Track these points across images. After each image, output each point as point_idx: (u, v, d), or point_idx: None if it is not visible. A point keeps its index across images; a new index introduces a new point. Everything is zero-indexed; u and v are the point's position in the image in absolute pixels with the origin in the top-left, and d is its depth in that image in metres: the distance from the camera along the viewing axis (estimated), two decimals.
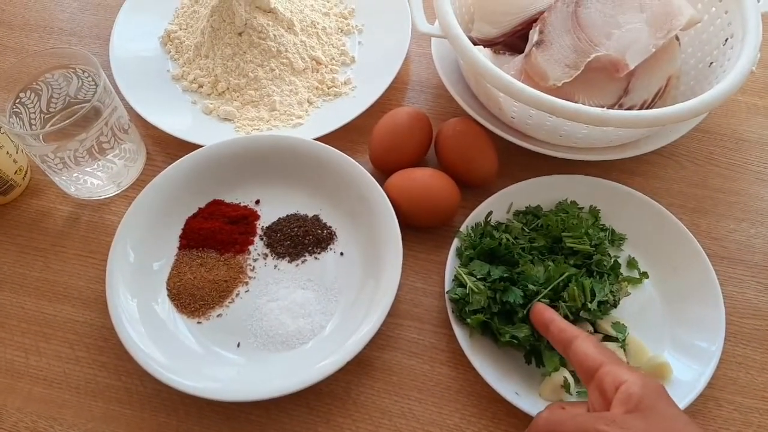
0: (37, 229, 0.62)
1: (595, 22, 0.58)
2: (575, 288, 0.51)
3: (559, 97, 0.58)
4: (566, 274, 0.53)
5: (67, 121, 0.53)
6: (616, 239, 0.59)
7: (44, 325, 0.57)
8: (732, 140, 0.67)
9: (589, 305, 0.52)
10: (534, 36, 0.59)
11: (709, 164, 0.65)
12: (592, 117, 0.52)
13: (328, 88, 0.69)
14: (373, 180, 0.59)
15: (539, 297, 0.51)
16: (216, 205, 0.61)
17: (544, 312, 0.48)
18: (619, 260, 0.58)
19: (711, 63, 0.62)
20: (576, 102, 0.58)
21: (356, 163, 0.60)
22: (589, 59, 0.57)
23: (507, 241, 0.55)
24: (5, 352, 0.56)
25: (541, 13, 0.62)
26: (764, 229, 0.61)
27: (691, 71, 0.65)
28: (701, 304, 0.55)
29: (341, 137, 0.65)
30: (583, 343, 0.43)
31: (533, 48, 0.58)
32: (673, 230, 0.58)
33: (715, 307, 0.54)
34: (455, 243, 0.57)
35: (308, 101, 0.68)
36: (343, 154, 0.60)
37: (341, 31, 0.74)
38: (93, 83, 0.60)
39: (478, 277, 0.54)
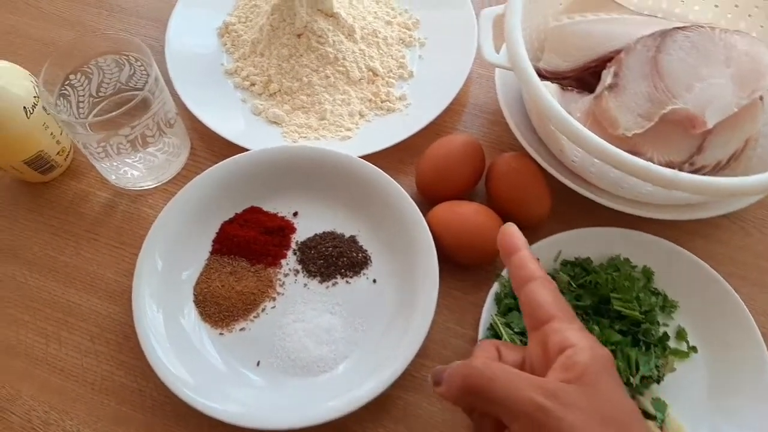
0: (74, 212, 0.61)
1: (675, 71, 0.54)
2: (620, 362, 0.48)
3: (626, 147, 0.54)
4: (612, 342, 0.50)
5: (115, 113, 0.52)
6: (668, 306, 0.55)
7: (68, 313, 0.56)
8: None
9: (632, 379, 0.48)
10: (607, 78, 0.55)
11: None
12: (663, 178, 0.48)
13: (382, 102, 0.66)
14: (418, 211, 0.56)
15: None
16: (253, 212, 0.60)
17: (513, 237, 0.40)
18: (670, 328, 0.54)
19: None
20: (644, 155, 0.55)
21: (402, 190, 0.57)
22: (664, 111, 0.53)
23: None
24: (27, 336, 0.55)
25: (618, 52, 0.58)
26: None
27: None
28: (750, 393, 0.51)
29: (388, 155, 0.62)
30: (539, 288, 0.37)
31: (605, 91, 0.55)
32: (730, 304, 0.54)
33: (765, 402, 0.50)
34: (495, 287, 0.55)
35: (360, 114, 0.66)
36: (390, 178, 0.58)
37: (402, 42, 0.71)
38: (145, 72, 0.58)
39: (515, 330, 0.51)
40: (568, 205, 0.60)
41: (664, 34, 0.56)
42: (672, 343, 0.54)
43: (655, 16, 0.67)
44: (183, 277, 0.56)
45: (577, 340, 0.35)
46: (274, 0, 0.66)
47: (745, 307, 0.53)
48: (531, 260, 0.39)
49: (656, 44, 0.55)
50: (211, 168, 0.58)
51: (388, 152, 0.62)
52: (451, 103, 0.65)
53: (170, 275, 0.55)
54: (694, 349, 0.54)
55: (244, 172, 0.59)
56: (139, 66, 0.59)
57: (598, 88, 0.56)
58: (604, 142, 0.49)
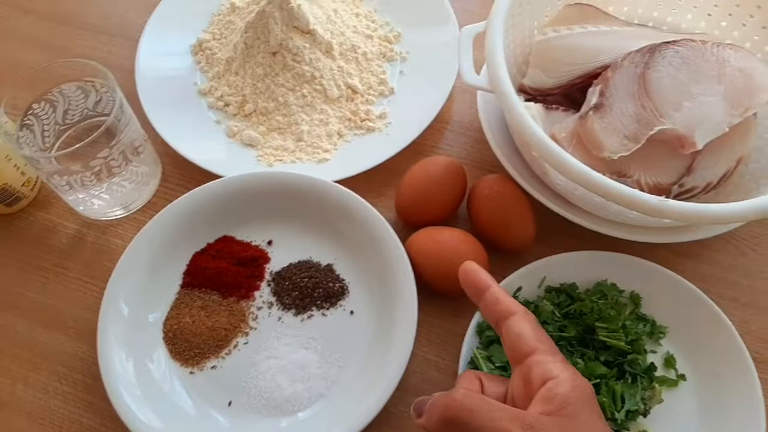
0: (41, 245, 0.59)
1: (664, 88, 0.52)
2: (605, 397, 0.46)
3: (613, 169, 0.52)
4: (596, 375, 0.48)
5: (76, 146, 0.50)
6: (656, 332, 0.53)
7: (36, 352, 0.54)
8: None
9: (617, 415, 0.46)
10: (593, 97, 0.53)
11: None
12: (649, 207, 0.45)
13: (361, 121, 0.64)
14: (396, 239, 0.54)
15: None
16: (226, 242, 0.57)
17: (477, 274, 0.40)
18: (658, 355, 0.52)
19: None
20: (631, 176, 0.52)
21: (380, 217, 0.55)
22: (652, 132, 0.50)
23: None
24: None
25: (605, 67, 0.55)
26: None
27: (765, 147, 0.57)
28: (739, 423, 0.49)
29: (368, 177, 0.60)
30: (519, 322, 0.38)
31: (590, 112, 0.52)
32: (720, 328, 0.52)
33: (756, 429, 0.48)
34: (477, 317, 0.52)
35: (338, 134, 0.63)
36: (367, 204, 0.55)
37: (383, 56, 0.68)
38: (112, 98, 0.56)
39: (497, 364, 0.49)
40: (553, 229, 0.57)
41: (653, 49, 0.53)
42: (660, 371, 0.52)
43: (647, 26, 0.64)
44: (150, 319, 0.53)
45: (558, 372, 0.35)
46: (248, 17, 0.64)
47: (736, 332, 0.51)
48: (503, 294, 0.39)
49: (645, 60, 0.53)
50: (179, 198, 0.56)
51: (368, 174, 0.60)
52: (434, 121, 0.63)
53: (137, 318, 0.52)
54: (682, 377, 0.52)
55: (215, 200, 0.57)
56: (105, 92, 0.56)
57: (584, 108, 0.54)
58: (588, 169, 0.46)
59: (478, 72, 0.55)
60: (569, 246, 0.55)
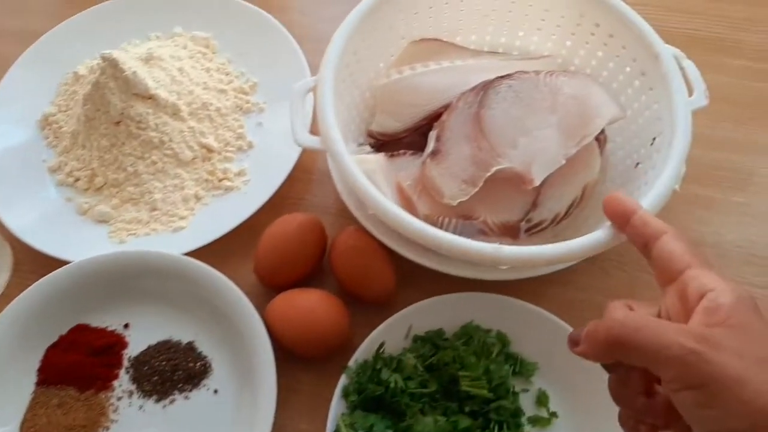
0: None
1: (500, 126, 0.51)
2: None
3: (457, 212, 0.51)
4: (460, 429, 0.47)
5: None
6: (525, 370, 0.53)
7: None
8: None
9: None
10: (430, 143, 0.52)
11: (638, 271, 0.58)
12: (484, 256, 0.44)
13: (219, 181, 0.62)
14: (251, 309, 0.52)
15: None
16: (79, 331, 0.55)
17: (624, 201, 0.41)
18: (530, 393, 0.52)
19: (637, 164, 0.54)
20: (477, 218, 0.52)
21: (234, 287, 0.53)
22: (489, 173, 0.50)
23: (395, 385, 0.49)
24: None
25: (447, 106, 0.55)
26: None
27: (619, 165, 0.57)
28: None
29: (230, 239, 0.58)
30: (671, 240, 0.37)
31: (427, 158, 0.51)
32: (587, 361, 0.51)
33: None
34: (342, 380, 0.51)
35: (196, 197, 0.61)
36: (220, 275, 0.53)
37: (239, 109, 0.66)
38: None
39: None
40: (420, 272, 0.56)
41: (486, 87, 0.53)
42: (533, 410, 0.52)
43: (497, 52, 0.64)
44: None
45: (716, 283, 0.33)
46: (85, 89, 0.61)
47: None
48: (651, 217, 0.39)
49: (478, 99, 0.52)
50: (23, 293, 0.53)
51: (231, 236, 0.58)
52: (294, 172, 0.61)
53: None
54: (554, 414, 0.51)
55: (64, 289, 0.54)
56: None
57: (424, 154, 0.53)
58: (421, 224, 0.45)
59: None
60: (438, 288, 0.54)
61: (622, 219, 0.40)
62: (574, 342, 0.37)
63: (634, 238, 0.39)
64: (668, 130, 0.51)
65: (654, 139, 0.53)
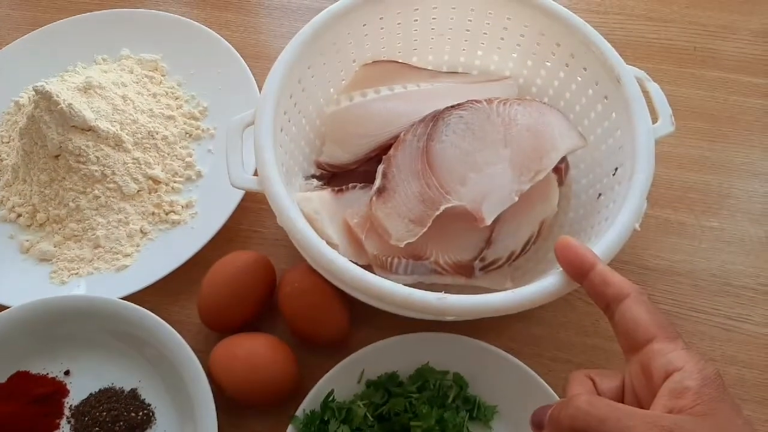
0: None
1: (449, 161, 0.48)
2: None
3: (409, 253, 0.49)
4: None
5: None
6: (483, 415, 0.50)
7: None
8: (635, 270, 0.57)
9: None
10: (377, 180, 0.49)
11: None
12: (427, 306, 0.42)
13: (166, 214, 0.59)
14: (192, 357, 0.49)
15: None
16: (19, 379, 0.52)
17: (579, 252, 0.38)
18: None
19: (599, 194, 0.51)
20: (427, 258, 0.49)
21: (171, 330, 0.50)
22: (438, 212, 0.47)
23: None
24: None
25: (397, 136, 0.52)
26: None
27: (581, 194, 0.54)
28: None
29: (177, 277, 0.56)
30: (633, 306, 0.35)
31: (373, 197, 0.48)
32: (549, 402, 0.49)
33: None
34: (290, 430, 0.48)
35: (141, 232, 0.58)
36: (159, 321, 0.51)
37: (189, 136, 0.63)
38: None
39: None
40: (372, 312, 0.53)
41: (436, 118, 0.50)
42: None
43: (456, 72, 0.61)
44: None
45: (683, 362, 0.32)
46: (20, 123, 0.58)
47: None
48: (611, 273, 0.37)
49: (427, 131, 0.49)
50: None
51: (178, 273, 0.56)
52: (245, 202, 0.58)
53: None
54: None
55: (1, 336, 0.52)
56: None
57: (372, 191, 0.50)
58: (362, 273, 0.42)
59: None
60: (395, 325, 0.51)
61: (578, 272, 0.38)
62: (537, 425, 0.36)
63: (594, 297, 0.37)
64: (629, 162, 0.48)
65: (616, 169, 0.50)
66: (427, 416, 0.47)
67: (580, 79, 0.54)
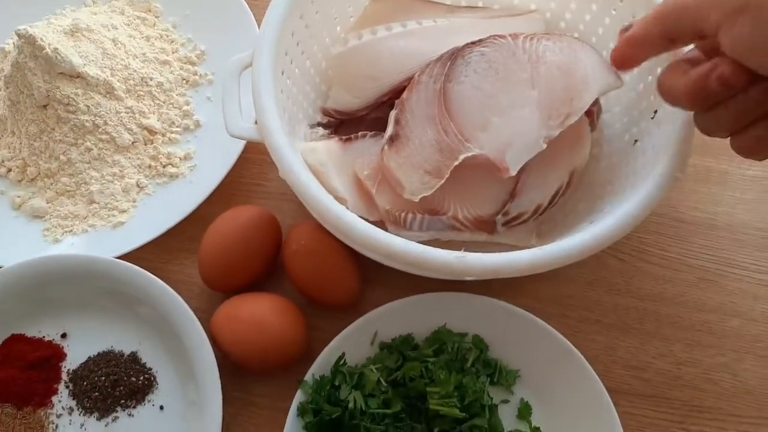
0: None
1: (469, 104, 0.43)
2: None
3: (425, 208, 0.44)
4: None
5: None
6: (504, 379, 0.47)
7: None
8: (670, 222, 0.52)
9: None
10: (389, 127, 0.44)
11: (638, 260, 0.51)
12: (445, 266, 0.37)
13: (163, 167, 0.55)
14: (193, 319, 0.46)
15: None
16: (14, 342, 0.50)
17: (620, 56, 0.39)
18: (512, 404, 0.47)
19: (636, 141, 0.46)
20: (445, 212, 0.45)
21: (170, 291, 0.47)
22: (456, 162, 0.42)
23: (354, 405, 0.43)
24: None
25: (410, 79, 0.47)
26: (700, 352, 0.48)
27: (615, 140, 0.49)
28: None
29: (176, 233, 0.52)
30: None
31: (385, 146, 0.44)
32: (575, 367, 0.46)
33: None
34: (298, 396, 0.45)
35: (138, 185, 0.54)
36: (158, 282, 0.47)
37: (186, 82, 0.59)
38: None
39: None
40: (384, 271, 0.49)
41: (454, 55, 0.44)
42: (514, 424, 0.46)
43: (475, 6, 0.55)
44: None
45: None
46: (5, 70, 0.54)
47: (591, 370, 0.45)
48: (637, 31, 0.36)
49: (445, 71, 0.44)
50: None
51: (177, 229, 0.52)
52: (247, 153, 0.54)
53: None
54: (537, 430, 0.46)
55: None
56: None
57: (383, 141, 0.45)
58: (371, 230, 0.38)
59: None
60: (409, 285, 0.48)
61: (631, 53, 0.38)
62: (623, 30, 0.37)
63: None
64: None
65: (655, 112, 0.45)
66: (444, 382, 0.43)
67: (614, 12, 0.49)
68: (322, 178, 0.43)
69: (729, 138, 0.34)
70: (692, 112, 0.36)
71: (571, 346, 0.46)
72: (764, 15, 0.28)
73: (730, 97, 0.32)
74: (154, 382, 0.48)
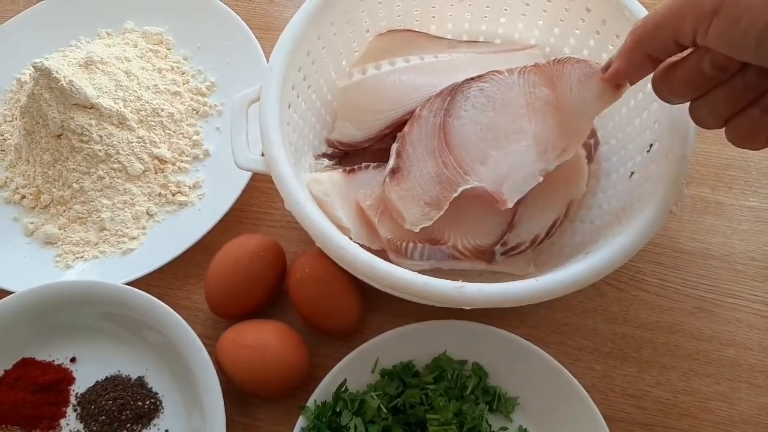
0: None
1: (468, 138, 0.45)
2: None
3: (425, 237, 0.46)
4: None
5: None
6: (503, 407, 0.47)
7: None
8: (668, 253, 0.53)
9: None
10: (391, 160, 0.46)
11: (635, 289, 0.52)
12: (444, 296, 0.39)
13: (173, 195, 0.57)
14: (199, 345, 0.48)
15: None
16: (25, 365, 0.51)
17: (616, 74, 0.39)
18: (509, 430, 0.47)
19: (632, 173, 0.48)
20: (445, 242, 0.46)
21: (177, 317, 0.48)
22: (455, 194, 0.43)
23: (356, 431, 0.44)
24: None
25: (412, 112, 0.48)
26: (697, 380, 0.49)
27: (612, 173, 0.51)
28: None
29: (184, 260, 0.54)
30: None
31: (386, 178, 0.45)
32: (572, 395, 0.46)
33: None
34: (300, 422, 0.46)
35: (148, 213, 0.56)
36: (166, 308, 0.49)
37: (196, 113, 0.61)
38: None
39: None
40: (385, 298, 0.50)
41: (454, 91, 0.46)
42: None
43: (477, 41, 0.57)
44: None
45: None
46: (21, 101, 0.56)
47: (589, 398, 0.45)
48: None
49: (444, 106, 0.46)
50: None
51: (185, 256, 0.54)
52: (254, 182, 0.56)
53: None
54: None
55: (5, 322, 0.50)
56: None
57: (385, 173, 0.46)
58: (373, 261, 0.40)
59: None
60: (410, 311, 0.49)
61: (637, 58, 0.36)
62: (605, 68, 0.39)
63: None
64: (666, 137, 0.44)
65: (651, 146, 0.46)
66: (444, 409, 0.44)
67: (611, 47, 0.50)
68: (326, 208, 0.45)
69: (724, 128, 0.34)
70: (690, 141, 0.37)
71: (569, 374, 0.46)
72: (736, 12, 0.28)
73: (724, 81, 0.32)
74: (160, 407, 0.49)
